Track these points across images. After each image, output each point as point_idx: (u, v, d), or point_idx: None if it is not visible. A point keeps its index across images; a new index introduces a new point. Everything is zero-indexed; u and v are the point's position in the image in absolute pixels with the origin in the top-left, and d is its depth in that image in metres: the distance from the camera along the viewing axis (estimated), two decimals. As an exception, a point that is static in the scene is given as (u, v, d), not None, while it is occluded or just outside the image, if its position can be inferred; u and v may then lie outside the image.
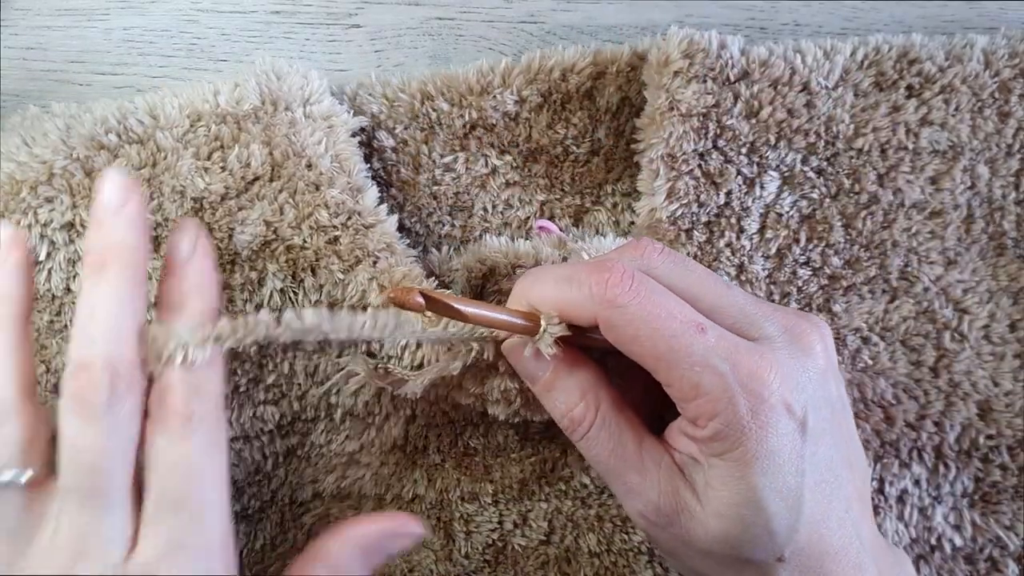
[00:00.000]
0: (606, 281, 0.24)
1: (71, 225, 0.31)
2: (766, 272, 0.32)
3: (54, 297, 0.31)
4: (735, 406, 0.23)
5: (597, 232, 0.34)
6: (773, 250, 0.32)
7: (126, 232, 0.25)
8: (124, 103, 0.31)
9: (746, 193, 0.31)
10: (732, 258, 0.32)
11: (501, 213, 0.34)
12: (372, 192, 0.31)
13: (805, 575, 0.25)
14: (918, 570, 0.33)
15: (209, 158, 0.30)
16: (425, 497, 0.34)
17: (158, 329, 0.25)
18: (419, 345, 0.30)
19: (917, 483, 0.33)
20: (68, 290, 0.31)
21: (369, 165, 0.33)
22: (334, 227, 0.30)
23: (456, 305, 0.25)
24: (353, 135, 0.32)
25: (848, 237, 0.32)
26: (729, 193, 0.31)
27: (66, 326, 0.31)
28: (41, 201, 0.30)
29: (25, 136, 0.31)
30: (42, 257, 0.31)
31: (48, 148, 0.30)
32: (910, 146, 0.31)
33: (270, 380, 0.32)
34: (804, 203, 0.32)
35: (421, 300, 0.24)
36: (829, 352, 0.26)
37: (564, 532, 0.33)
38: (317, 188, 0.30)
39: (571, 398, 0.27)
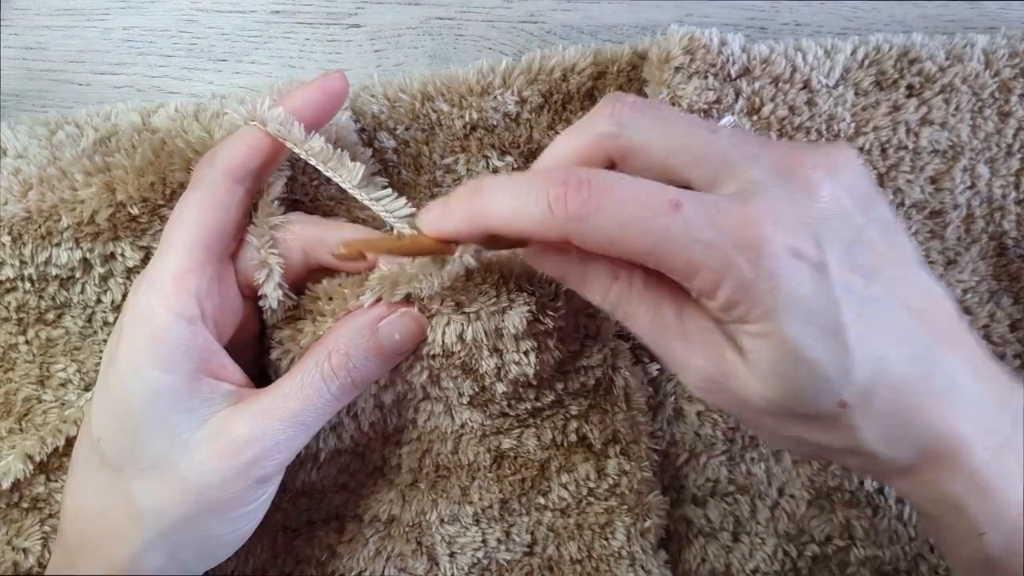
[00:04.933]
0: (563, 197, 0.23)
1: (112, 256, 0.32)
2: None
3: (87, 306, 0.33)
4: (734, 268, 0.22)
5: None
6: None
7: (309, 91, 0.29)
8: (153, 140, 0.31)
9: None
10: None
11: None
12: None
13: (882, 415, 0.23)
14: (917, 568, 0.33)
15: None
16: (402, 519, 0.34)
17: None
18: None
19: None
20: (99, 301, 0.33)
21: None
22: None
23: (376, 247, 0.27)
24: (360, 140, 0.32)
25: (848, 237, 0.32)
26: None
27: (96, 332, 0.33)
28: (84, 234, 0.31)
29: (65, 168, 0.31)
30: (78, 273, 0.32)
31: (92, 192, 0.30)
32: (910, 145, 0.31)
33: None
34: (804, 203, 0.32)
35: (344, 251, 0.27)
36: (845, 181, 0.24)
37: (546, 543, 0.33)
38: None
39: (605, 282, 0.25)
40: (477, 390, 0.31)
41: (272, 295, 0.29)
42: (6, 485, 0.32)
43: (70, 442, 0.32)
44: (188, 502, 0.27)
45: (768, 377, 0.23)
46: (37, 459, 0.32)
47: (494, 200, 0.24)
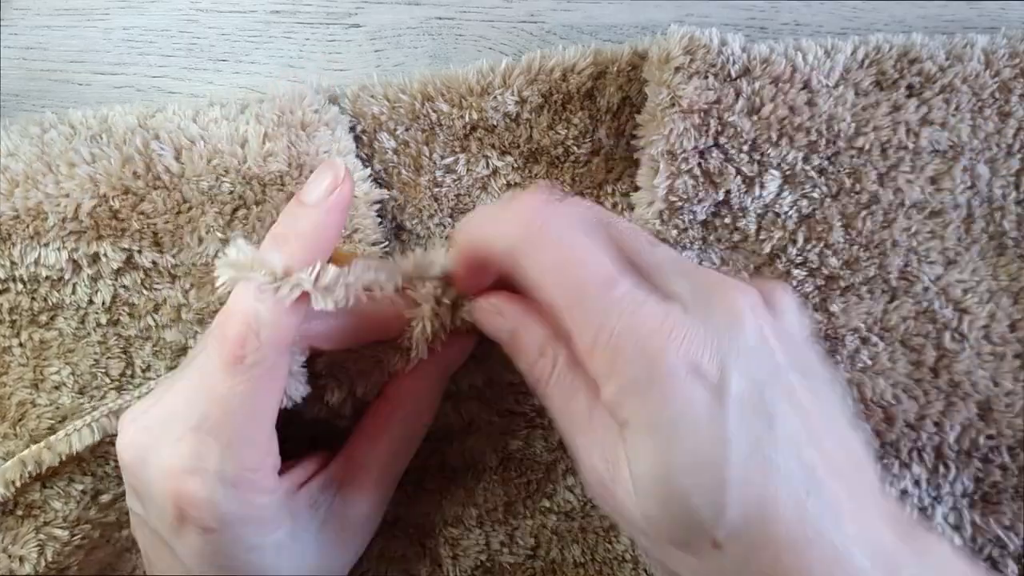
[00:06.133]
0: (526, 221, 0.23)
1: (96, 256, 0.32)
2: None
3: (79, 307, 0.33)
4: (628, 364, 0.21)
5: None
6: (766, 250, 0.32)
7: (322, 219, 0.26)
8: (146, 135, 0.31)
9: (745, 193, 0.31)
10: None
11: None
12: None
13: (754, 565, 0.21)
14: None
15: (233, 214, 0.32)
16: (407, 519, 0.33)
17: (242, 248, 0.24)
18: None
19: (917, 483, 0.33)
20: (91, 302, 0.33)
21: (370, 167, 0.33)
22: None
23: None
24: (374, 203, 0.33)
25: (847, 237, 0.32)
26: (728, 192, 0.31)
27: (89, 334, 0.33)
28: (68, 232, 0.31)
29: (52, 162, 0.31)
30: (68, 274, 0.32)
31: (75, 184, 0.30)
32: (910, 145, 0.31)
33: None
34: (804, 203, 0.32)
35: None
36: (778, 321, 0.23)
37: (549, 546, 0.33)
38: None
39: (533, 353, 0.25)
40: (485, 380, 0.31)
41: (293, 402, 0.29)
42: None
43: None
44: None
45: (642, 494, 0.22)
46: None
47: (478, 213, 0.26)
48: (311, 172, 0.31)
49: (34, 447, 0.31)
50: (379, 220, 0.33)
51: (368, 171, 0.33)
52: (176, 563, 0.26)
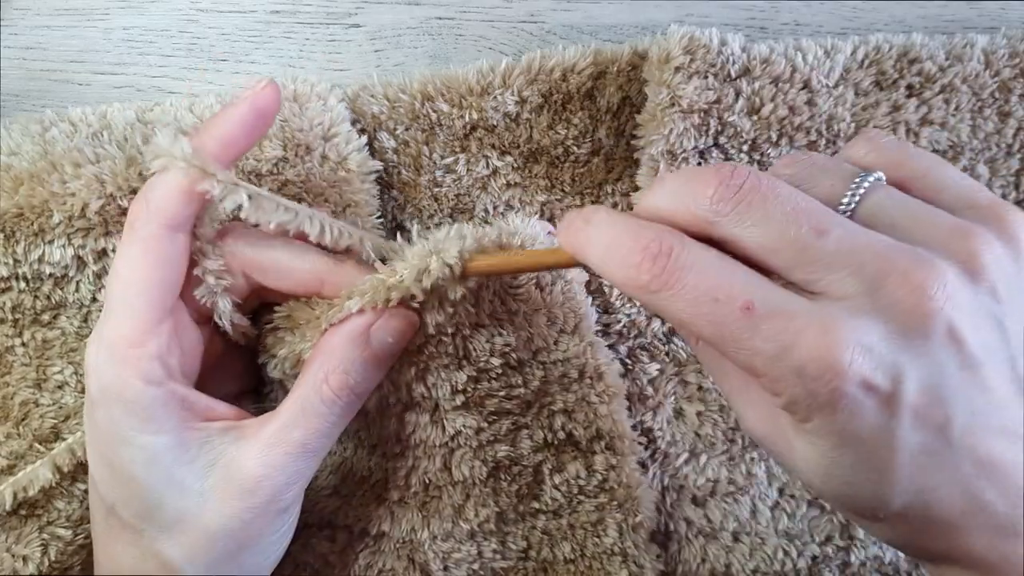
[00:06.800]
0: (640, 265, 0.22)
1: (104, 252, 0.32)
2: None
3: (82, 306, 0.33)
4: (791, 388, 0.21)
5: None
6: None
7: (233, 117, 0.27)
8: (145, 130, 0.31)
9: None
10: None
11: (502, 214, 0.34)
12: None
13: (914, 534, 0.22)
14: (917, 568, 0.33)
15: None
16: (392, 535, 0.33)
17: (161, 138, 0.26)
18: None
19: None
20: (94, 299, 0.32)
21: (365, 136, 0.33)
22: None
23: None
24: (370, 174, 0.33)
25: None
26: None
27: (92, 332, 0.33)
28: (75, 229, 0.31)
29: (56, 161, 0.31)
30: (72, 272, 0.32)
31: (82, 184, 0.30)
32: (910, 145, 0.31)
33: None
34: (804, 203, 0.32)
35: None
36: (965, 292, 0.21)
37: (540, 546, 0.33)
38: None
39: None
40: (472, 375, 0.30)
41: (230, 330, 0.29)
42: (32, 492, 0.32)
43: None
44: (217, 548, 0.27)
45: (813, 474, 0.22)
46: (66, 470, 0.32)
47: (593, 238, 0.23)
48: (307, 152, 0.32)
49: (40, 465, 0.32)
50: (377, 195, 0.33)
51: (364, 141, 0.33)
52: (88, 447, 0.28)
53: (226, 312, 0.28)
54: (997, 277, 0.21)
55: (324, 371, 0.27)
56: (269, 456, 0.27)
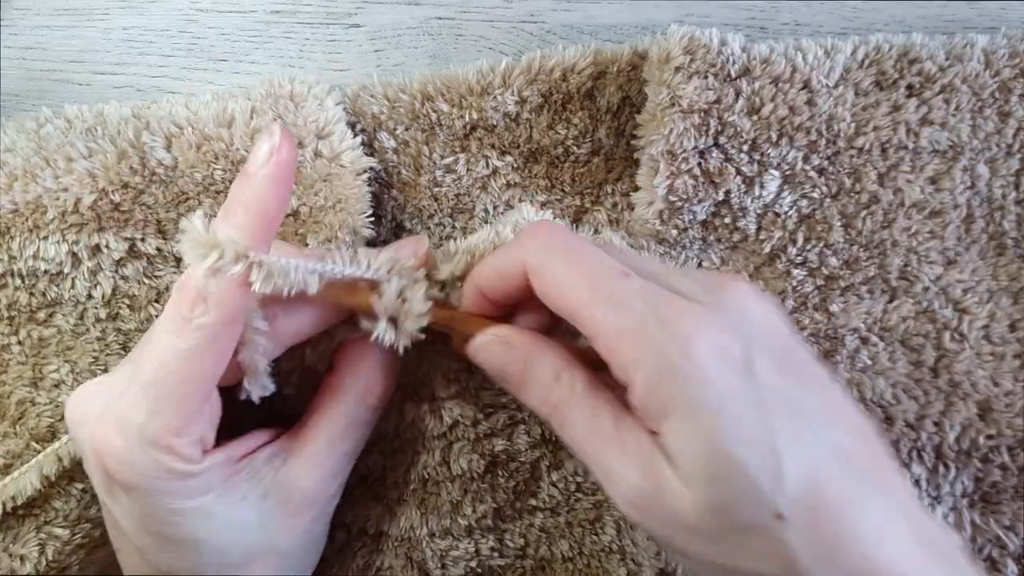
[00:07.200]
0: (535, 233, 0.25)
1: (98, 248, 0.32)
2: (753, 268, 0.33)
3: (78, 302, 0.33)
4: (658, 347, 0.22)
5: (596, 231, 0.34)
6: (766, 250, 0.32)
7: (263, 188, 0.25)
8: (138, 124, 0.31)
9: (745, 193, 0.32)
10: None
11: (502, 214, 0.34)
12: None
13: (818, 536, 0.21)
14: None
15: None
16: (390, 534, 0.33)
17: (197, 227, 0.24)
18: None
19: (917, 483, 0.33)
20: (90, 296, 0.32)
21: (360, 136, 0.33)
22: None
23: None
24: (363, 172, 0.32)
25: (847, 237, 0.32)
26: (728, 192, 0.31)
27: (88, 329, 0.33)
28: (69, 225, 0.31)
29: (49, 156, 0.31)
30: (67, 268, 0.32)
31: (75, 178, 0.30)
32: (910, 145, 0.31)
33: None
34: (804, 203, 0.32)
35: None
36: (768, 313, 0.24)
37: (538, 544, 0.33)
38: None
39: (546, 382, 0.25)
40: (463, 364, 0.31)
41: (258, 393, 0.28)
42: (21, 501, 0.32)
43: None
44: (292, 564, 0.29)
45: (699, 482, 0.22)
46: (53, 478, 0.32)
47: (484, 262, 0.27)
48: (299, 146, 0.32)
49: (38, 462, 0.31)
50: (369, 191, 0.32)
51: (359, 140, 0.32)
52: (116, 528, 0.27)
53: (264, 390, 0.27)
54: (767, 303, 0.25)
55: (364, 383, 0.29)
56: (320, 471, 0.28)
